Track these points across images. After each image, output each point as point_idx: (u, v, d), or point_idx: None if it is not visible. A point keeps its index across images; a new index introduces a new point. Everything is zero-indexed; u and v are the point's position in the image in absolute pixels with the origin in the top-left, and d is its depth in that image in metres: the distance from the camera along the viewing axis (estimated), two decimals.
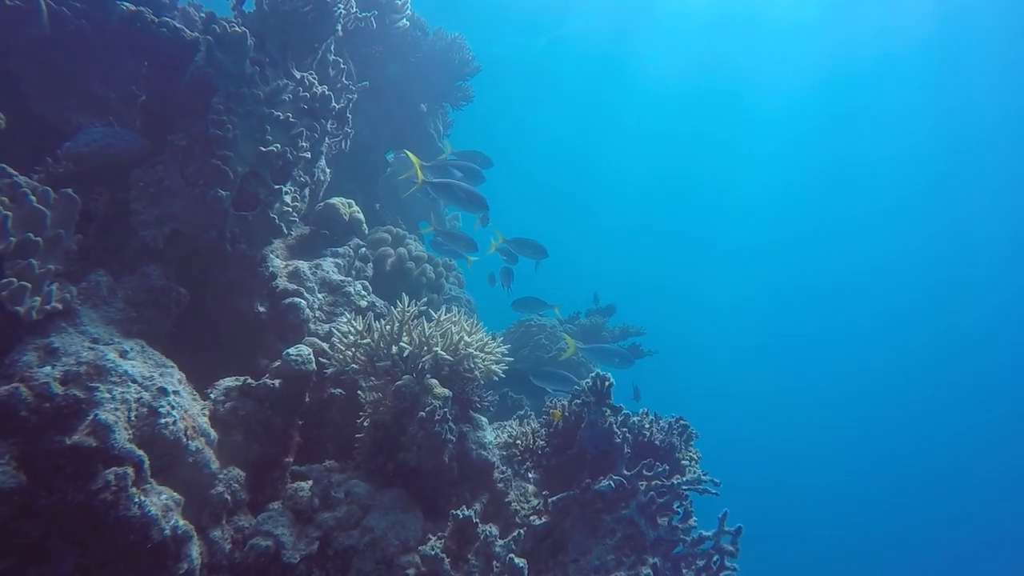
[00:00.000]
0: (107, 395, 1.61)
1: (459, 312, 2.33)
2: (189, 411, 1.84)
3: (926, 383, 21.60)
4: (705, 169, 22.09)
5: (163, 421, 1.70)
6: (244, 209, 2.27)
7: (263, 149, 2.25)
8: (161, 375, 1.82)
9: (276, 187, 2.32)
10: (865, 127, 18.16)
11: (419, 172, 3.08)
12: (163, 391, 1.75)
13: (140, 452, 1.58)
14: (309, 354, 2.19)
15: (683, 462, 2.01)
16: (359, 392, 2.33)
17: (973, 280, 20.54)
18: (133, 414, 1.65)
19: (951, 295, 21.26)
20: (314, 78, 2.54)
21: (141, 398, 1.69)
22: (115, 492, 1.48)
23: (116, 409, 1.60)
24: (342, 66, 2.87)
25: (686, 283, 24.41)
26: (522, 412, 2.76)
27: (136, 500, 1.52)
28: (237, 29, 2.19)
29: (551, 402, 2.25)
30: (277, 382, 2.14)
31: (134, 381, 1.70)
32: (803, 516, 17.83)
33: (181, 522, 1.63)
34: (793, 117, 18.21)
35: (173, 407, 1.75)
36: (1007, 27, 12.98)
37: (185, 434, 1.77)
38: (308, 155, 2.46)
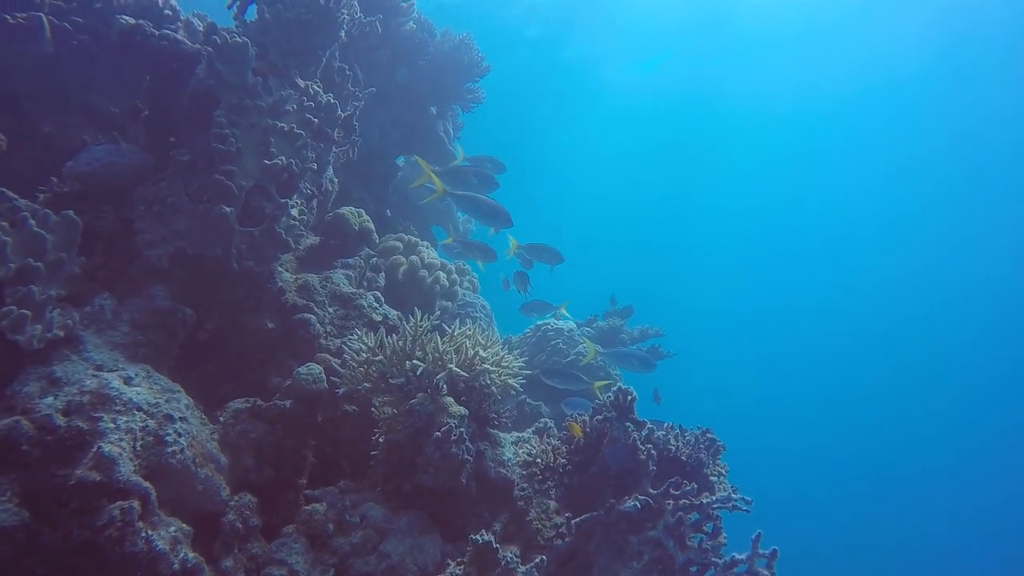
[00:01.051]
0: (111, 425, 1.55)
1: (474, 324, 2.26)
2: (197, 437, 1.79)
3: (929, 393, 21.17)
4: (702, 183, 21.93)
5: (170, 450, 1.64)
6: (250, 224, 2.21)
7: (267, 162, 2.19)
8: (167, 401, 1.76)
9: (282, 201, 2.25)
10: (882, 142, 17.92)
11: (438, 183, 3.00)
12: (169, 418, 1.69)
13: (146, 484, 1.53)
14: (320, 372, 2.13)
15: (711, 478, 1.92)
16: (373, 408, 2.27)
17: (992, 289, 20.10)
18: (139, 444, 1.59)
19: (970, 304, 20.80)
20: (319, 86, 2.48)
21: (147, 426, 1.63)
22: (121, 527, 1.42)
23: (121, 439, 1.54)
24: (348, 72, 2.80)
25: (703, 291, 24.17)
26: (540, 424, 2.68)
27: (143, 534, 1.46)
28: (238, 39, 2.13)
29: (571, 415, 2.16)
30: (288, 402, 2.08)
31: (139, 409, 1.65)
32: (803, 526, 17.34)
33: (191, 555, 1.57)
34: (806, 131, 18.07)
35: (180, 434, 1.70)
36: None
37: (194, 462, 1.71)
38: (314, 166, 2.39)
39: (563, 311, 3.88)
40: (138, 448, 1.58)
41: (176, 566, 1.51)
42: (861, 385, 22.05)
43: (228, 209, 2.09)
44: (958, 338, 21.28)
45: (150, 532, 1.49)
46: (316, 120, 2.42)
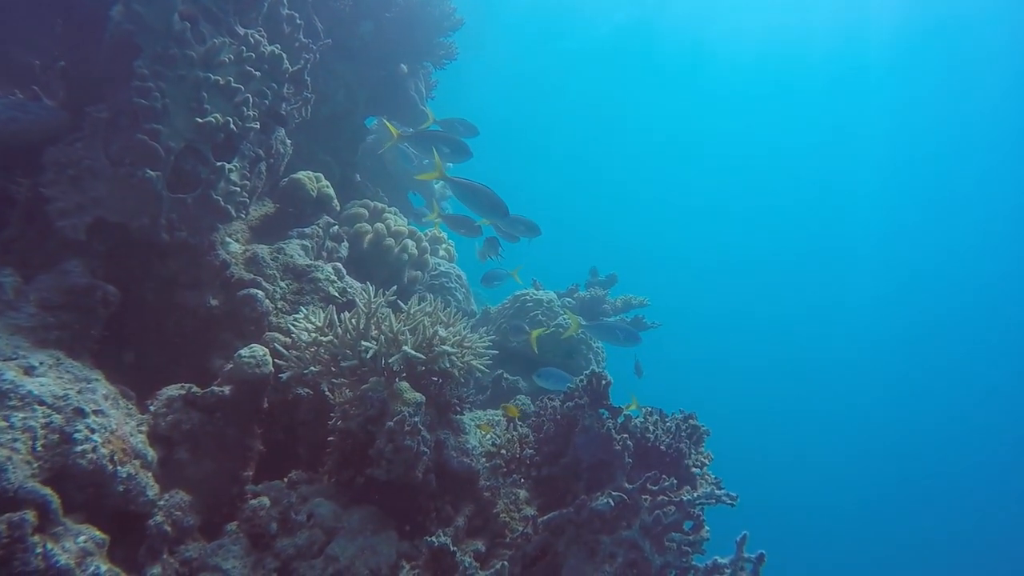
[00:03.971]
0: (3, 424, 1.34)
1: (435, 300, 2.05)
2: (118, 431, 1.58)
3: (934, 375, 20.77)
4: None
5: (80, 448, 1.44)
6: (183, 191, 1.98)
7: (200, 120, 1.94)
8: (79, 392, 1.55)
9: (219, 164, 2.01)
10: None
11: (439, 165, 2.71)
12: (80, 412, 1.49)
13: (45, 491, 1.33)
14: (264, 355, 1.93)
15: (693, 469, 1.75)
16: (327, 393, 2.08)
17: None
18: (39, 443, 1.39)
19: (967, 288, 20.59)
20: (262, 35, 2.21)
21: (51, 422, 1.43)
22: (8, 545, 1.23)
23: (14, 440, 1.34)
24: (298, 22, 2.52)
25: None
26: (520, 403, 2.50)
27: (39, 550, 1.27)
28: None
29: (544, 397, 1.98)
30: (227, 389, 1.88)
31: (42, 403, 1.44)
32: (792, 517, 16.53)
33: (104, 567, 1.39)
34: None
35: (93, 430, 1.49)
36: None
37: (111, 460, 1.51)
38: (257, 125, 2.15)
39: (516, 277, 3.77)
40: (38, 449, 1.38)
41: None
42: (857, 377, 21.23)
43: (153, 173, 1.85)
44: (952, 335, 21.00)
45: (50, 546, 1.29)
46: (259, 73, 2.16)
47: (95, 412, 1.53)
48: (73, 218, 1.79)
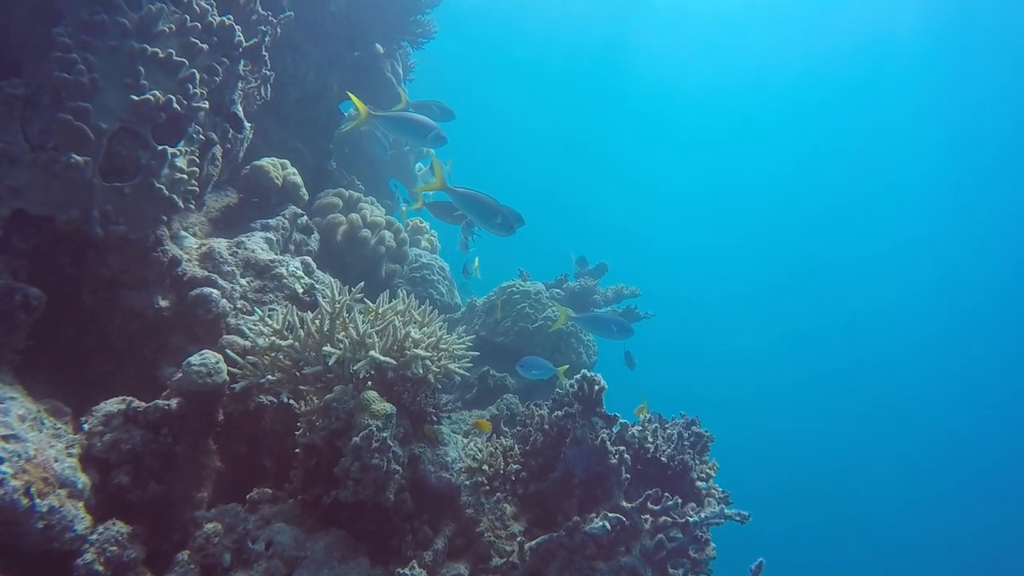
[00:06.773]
0: None
1: (407, 297, 1.84)
2: (37, 458, 1.37)
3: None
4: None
5: None
6: (120, 179, 1.75)
7: (136, 98, 1.71)
8: None
9: (161, 148, 1.78)
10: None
11: (439, 174, 2.37)
12: None
13: None
14: (217, 362, 1.71)
15: (698, 482, 1.56)
16: (290, 402, 1.87)
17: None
18: None
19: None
20: (209, 3, 1.98)
21: None
22: None
23: None
24: None
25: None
26: (497, 408, 2.30)
27: None
28: None
29: (529, 405, 1.78)
30: (174, 402, 1.66)
31: None
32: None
33: None
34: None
35: (1, 459, 1.28)
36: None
37: (25, 493, 1.30)
38: (206, 104, 1.92)
39: (476, 270, 3.73)
40: None
41: None
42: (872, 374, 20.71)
43: (81, 159, 1.62)
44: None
45: None
46: (206, 47, 1.93)
47: (4, 438, 1.31)
48: None
